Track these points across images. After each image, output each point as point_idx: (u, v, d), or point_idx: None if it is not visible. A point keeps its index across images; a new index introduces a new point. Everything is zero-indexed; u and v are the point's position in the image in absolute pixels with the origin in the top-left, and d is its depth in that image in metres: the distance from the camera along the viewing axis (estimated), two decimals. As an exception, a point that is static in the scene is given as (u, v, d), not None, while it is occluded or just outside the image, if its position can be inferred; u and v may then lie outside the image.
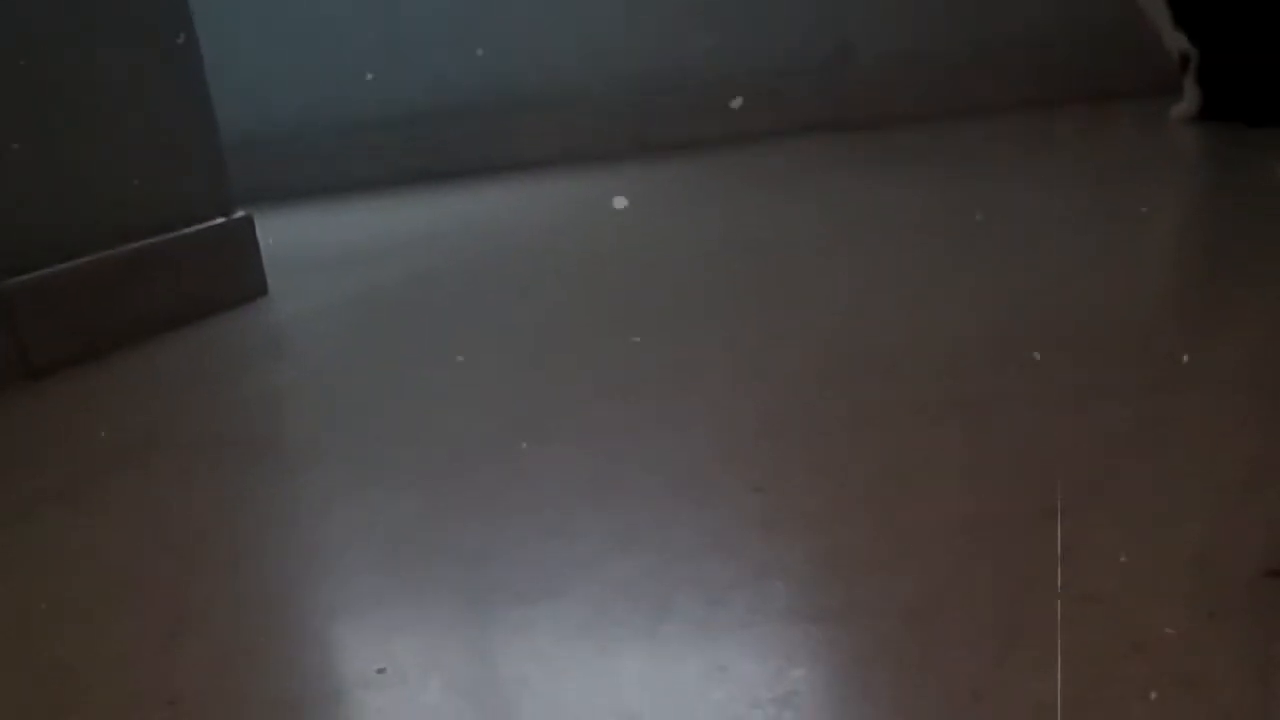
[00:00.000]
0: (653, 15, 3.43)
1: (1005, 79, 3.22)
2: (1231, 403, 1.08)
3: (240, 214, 2.12)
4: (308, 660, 0.86)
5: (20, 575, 1.07)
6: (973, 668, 0.72)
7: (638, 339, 1.55)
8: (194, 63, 2.08)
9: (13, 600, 1.02)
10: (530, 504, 1.06)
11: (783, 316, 1.57)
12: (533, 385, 1.42)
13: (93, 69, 1.89)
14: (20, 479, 1.33)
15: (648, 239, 2.22)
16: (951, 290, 1.57)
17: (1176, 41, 2.61)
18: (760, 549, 0.91)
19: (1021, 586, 0.80)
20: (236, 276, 2.10)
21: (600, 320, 1.69)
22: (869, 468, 1.04)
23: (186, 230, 2.02)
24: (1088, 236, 1.78)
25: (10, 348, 1.72)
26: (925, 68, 3.28)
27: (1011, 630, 0.75)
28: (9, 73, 1.77)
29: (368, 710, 0.77)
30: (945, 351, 1.32)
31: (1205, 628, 0.72)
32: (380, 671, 0.81)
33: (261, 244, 2.17)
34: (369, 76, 3.59)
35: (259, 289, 2.14)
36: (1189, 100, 2.61)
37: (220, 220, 2.08)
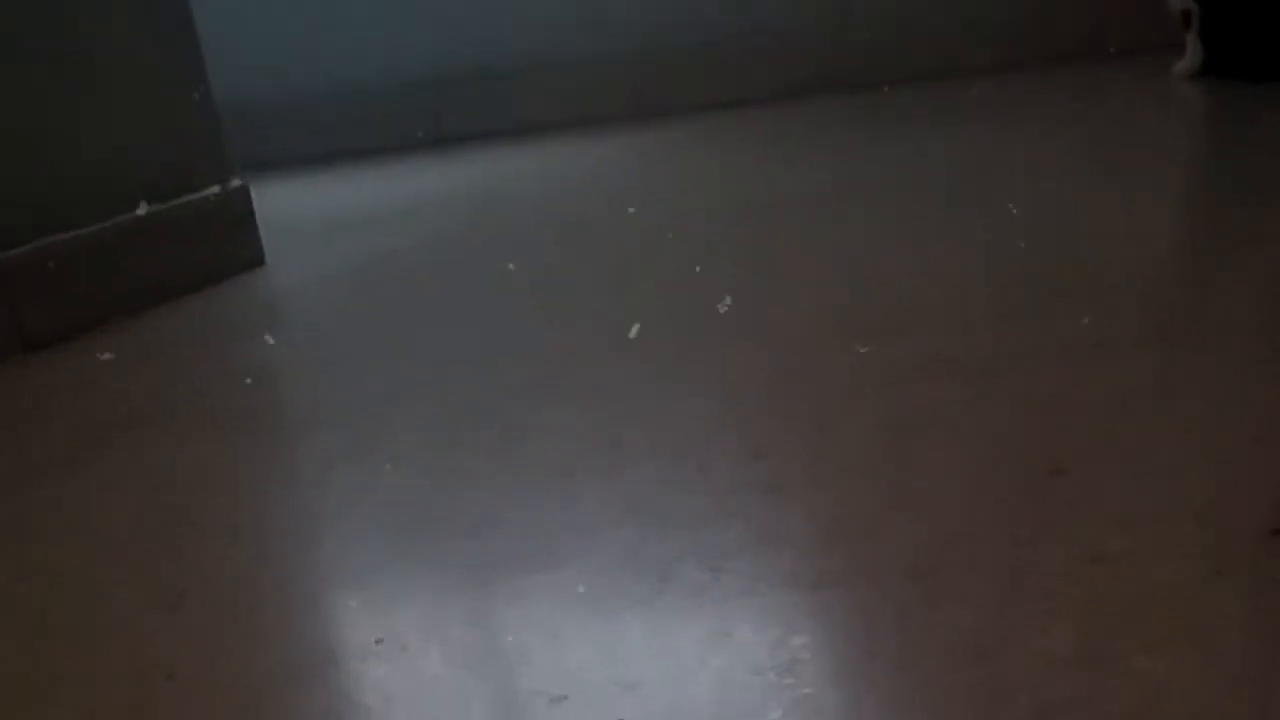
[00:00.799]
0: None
1: (1005, 36, 3.20)
2: (1237, 359, 1.07)
3: (237, 183, 2.11)
4: (306, 631, 0.85)
5: (19, 547, 1.06)
6: (977, 626, 0.71)
7: (637, 302, 1.54)
8: (189, 31, 2.06)
9: (11, 572, 1.01)
10: (530, 471, 1.05)
11: (783, 278, 1.56)
12: (533, 351, 1.41)
13: (88, 40, 1.88)
14: (17, 451, 1.32)
15: (648, 202, 2.21)
16: (952, 249, 1.56)
17: (1179, -1, 2.59)
18: (762, 514, 0.90)
19: (1026, 545, 0.80)
20: (234, 246, 2.09)
21: (600, 283, 1.68)
22: (871, 430, 1.03)
23: (183, 200, 2.01)
24: (1089, 193, 1.76)
25: (6, 319, 1.71)
26: (926, 27, 3.26)
27: (1016, 588, 0.74)
28: (3, 45, 1.75)
29: (366, 680, 0.77)
30: (947, 310, 1.31)
31: (1211, 584, 0.72)
32: (379, 641, 0.81)
33: (259, 213, 2.15)
34: (368, 44, 3.57)
35: (257, 258, 2.13)
36: (1191, 57, 2.59)
37: (217, 189, 2.07)
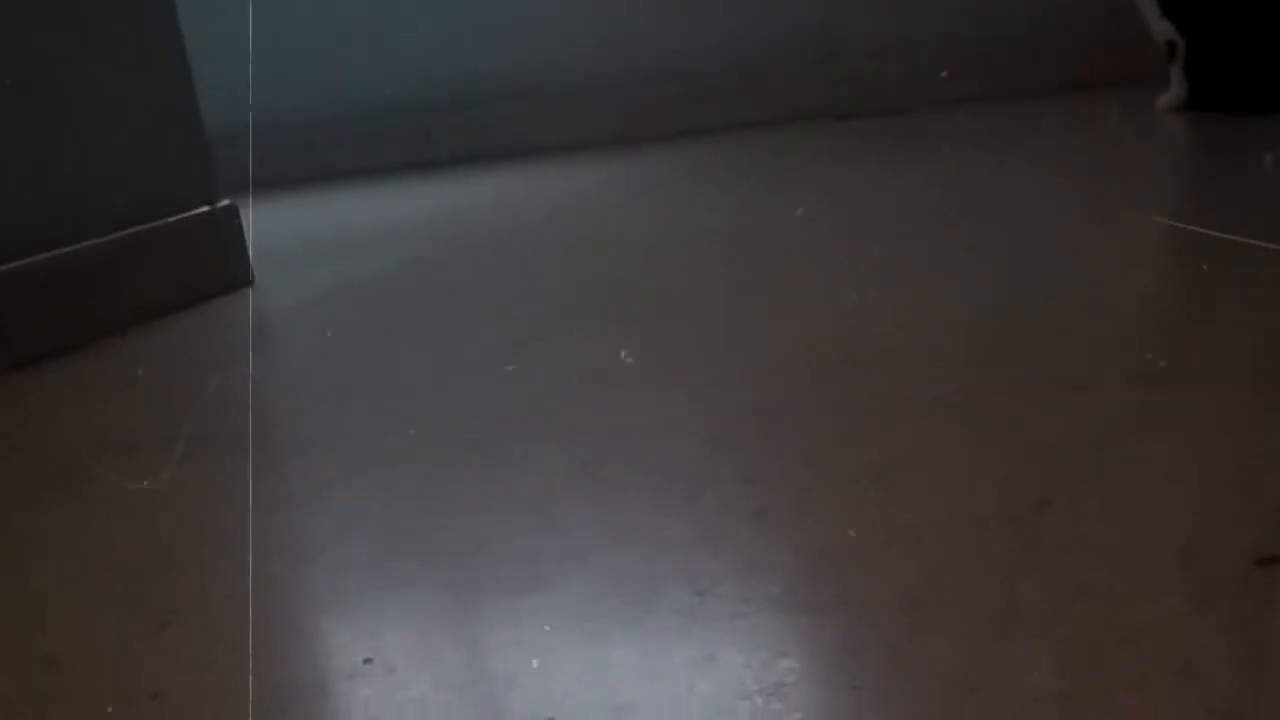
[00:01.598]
0: (641, 4, 3.42)
1: (991, 69, 3.21)
2: (1220, 395, 1.08)
3: (225, 203, 2.11)
4: (294, 652, 0.85)
5: (3, 568, 1.06)
6: (964, 659, 0.71)
7: (627, 330, 1.54)
8: (178, 51, 2.07)
9: (-3, 592, 1.01)
10: (519, 495, 1.06)
11: (773, 307, 1.57)
12: (522, 375, 1.41)
13: (75, 59, 1.88)
14: (3, 470, 1.32)
15: (637, 229, 2.21)
16: (940, 282, 1.57)
17: (1164, 30, 2.61)
18: (750, 540, 0.91)
19: (1011, 579, 0.80)
20: (221, 266, 2.09)
21: (590, 310, 1.68)
22: (859, 459, 1.04)
23: (170, 219, 2.01)
24: (1074, 227, 1.78)
25: (-6, 337, 1.71)
26: (913, 58, 3.28)
27: (1001, 622, 0.75)
28: (-8, 61, 1.76)
29: (354, 701, 0.77)
30: (936, 343, 1.32)
31: (1195, 618, 0.72)
32: (367, 662, 0.81)
33: (248, 234, 2.16)
34: (356, 66, 3.57)
35: (244, 279, 2.13)
36: (1176, 89, 2.61)
37: (204, 209, 2.07)
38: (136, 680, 0.82)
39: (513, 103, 3.53)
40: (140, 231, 1.95)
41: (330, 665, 0.82)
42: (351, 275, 2.12)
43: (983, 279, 1.54)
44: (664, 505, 0.99)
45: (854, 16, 3.31)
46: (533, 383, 1.38)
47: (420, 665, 0.80)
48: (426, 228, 2.55)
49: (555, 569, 0.90)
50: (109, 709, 0.79)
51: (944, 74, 3.21)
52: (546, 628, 0.82)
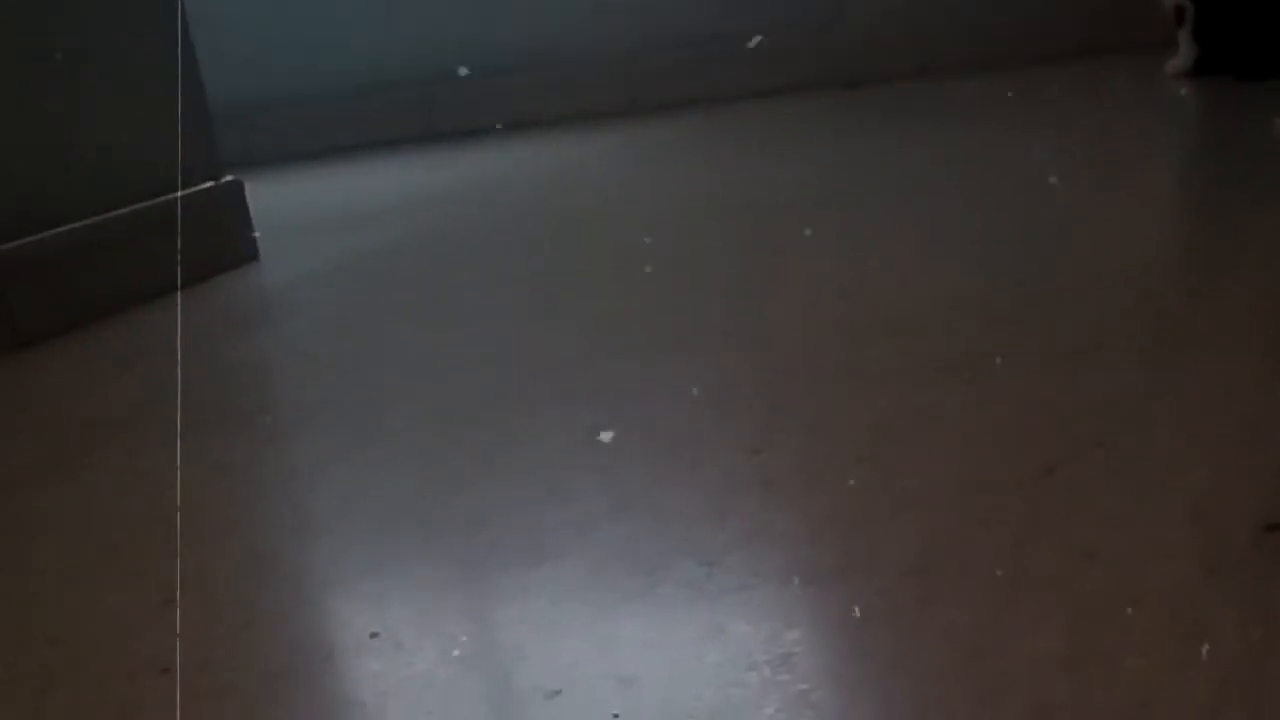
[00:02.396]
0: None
1: (997, 36, 3.20)
2: (1229, 359, 1.07)
3: (229, 178, 2.11)
4: (301, 626, 0.85)
5: (11, 545, 1.06)
6: (972, 625, 0.71)
7: (630, 301, 1.54)
8: (182, 27, 2.06)
9: (4, 569, 1.01)
10: (524, 467, 1.05)
11: (777, 275, 1.56)
12: (527, 347, 1.41)
13: (80, 37, 1.88)
14: (10, 449, 1.32)
15: (640, 199, 2.21)
16: (946, 248, 1.56)
17: (1172, -5, 2.59)
18: (757, 511, 0.91)
19: (1020, 544, 0.80)
20: (227, 242, 2.09)
21: (593, 281, 1.68)
22: (866, 427, 1.03)
23: (173, 196, 2.00)
24: (1082, 192, 1.77)
25: (-1, 316, 1.71)
26: (917, 25, 3.26)
27: (1009, 587, 0.74)
28: (-7, 38, 1.75)
29: (361, 675, 0.77)
30: (942, 309, 1.31)
31: (1205, 583, 0.72)
32: (374, 636, 0.81)
33: (252, 209, 2.15)
34: (360, 39, 3.56)
35: (250, 254, 2.13)
36: (1184, 54, 2.59)
37: (209, 185, 2.07)
38: (144, 656, 0.82)
39: (517, 74, 3.52)
40: (144, 208, 1.94)
41: (337, 639, 0.82)
42: (356, 249, 2.12)
43: (989, 245, 1.53)
44: (670, 476, 0.99)
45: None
46: (537, 353, 1.37)
47: (427, 639, 0.80)
48: (431, 200, 2.54)
49: (561, 541, 0.90)
50: (118, 686, 0.79)
51: (951, 41, 3.20)
52: (553, 600, 0.82)
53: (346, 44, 3.58)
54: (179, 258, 1.97)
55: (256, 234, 2.15)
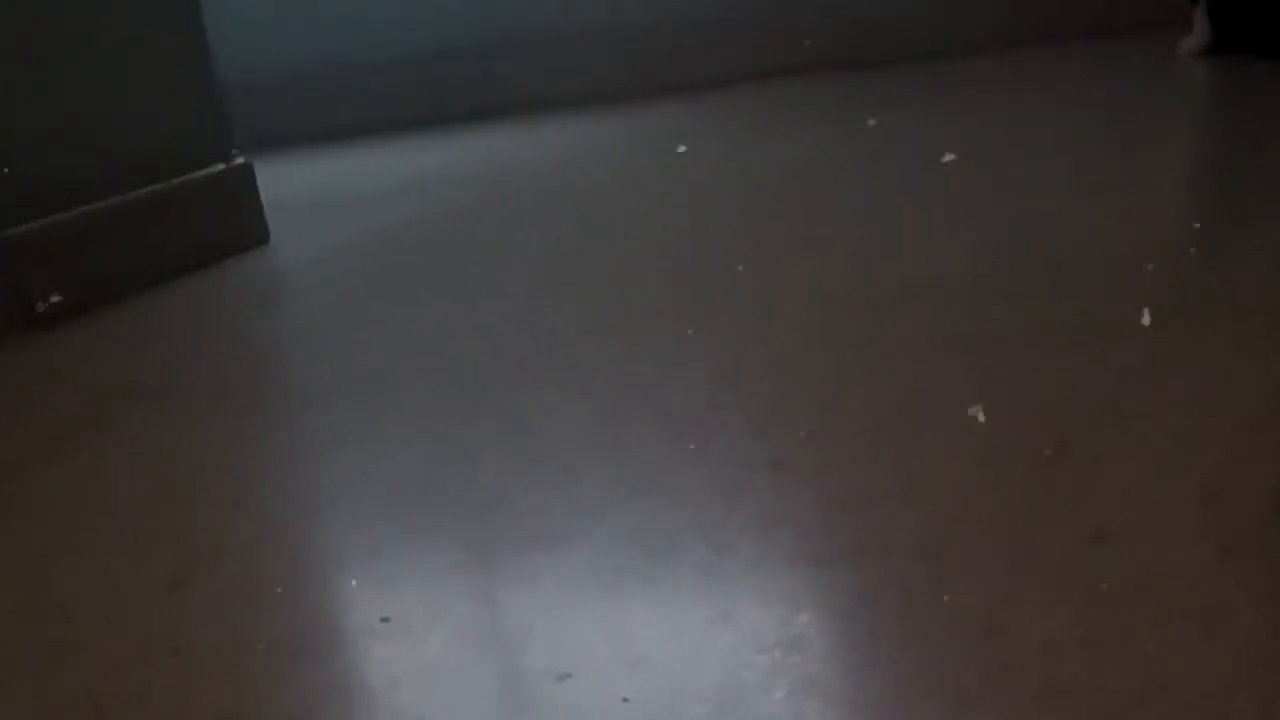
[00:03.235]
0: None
1: (1011, 14, 3.18)
2: (1244, 337, 1.06)
3: (240, 160, 2.10)
4: (311, 609, 0.85)
5: (24, 523, 1.06)
6: (985, 606, 0.71)
7: (641, 280, 1.53)
8: (194, 8, 2.06)
9: (16, 547, 1.01)
10: (534, 449, 1.05)
11: (788, 254, 1.55)
12: (536, 327, 1.40)
13: (91, 18, 1.87)
14: (24, 428, 1.32)
15: (650, 179, 2.20)
16: (957, 227, 1.55)
17: (1187, -27, 2.58)
18: (767, 493, 0.90)
19: (1032, 524, 0.79)
20: (237, 223, 2.09)
21: (605, 261, 1.67)
22: (876, 406, 1.03)
23: (186, 177, 2.00)
24: (1096, 171, 1.76)
25: (12, 297, 1.71)
26: (932, 3, 3.25)
27: (1022, 568, 0.74)
28: (8, 22, 1.75)
29: (372, 659, 0.77)
30: (954, 286, 1.31)
31: (1218, 563, 0.72)
32: (384, 620, 0.80)
33: (263, 191, 2.15)
34: (372, 20, 3.55)
35: (261, 236, 2.12)
36: (1199, 33, 2.58)
37: (220, 167, 2.06)
38: (154, 635, 0.82)
39: (528, 55, 3.51)
40: (155, 190, 1.94)
41: (348, 622, 0.82)
42: (367, 230, 2.12)
43: (1001, 222, 1.52)
44: (681, 457, 0.98)
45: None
46: (547, 333, 1.37)
47: (437, 622, 0.79)
48: (441, 181, 2.54)
49: (571, 523, 0.90)
50: (128, 665, 0.79)
51: (962, 19, 3.18)
52: (562, 583, 0.82)
53: (359, 25, 3.57)
54: (190, 240, 1.97)
55: (267, 215, 2.14)
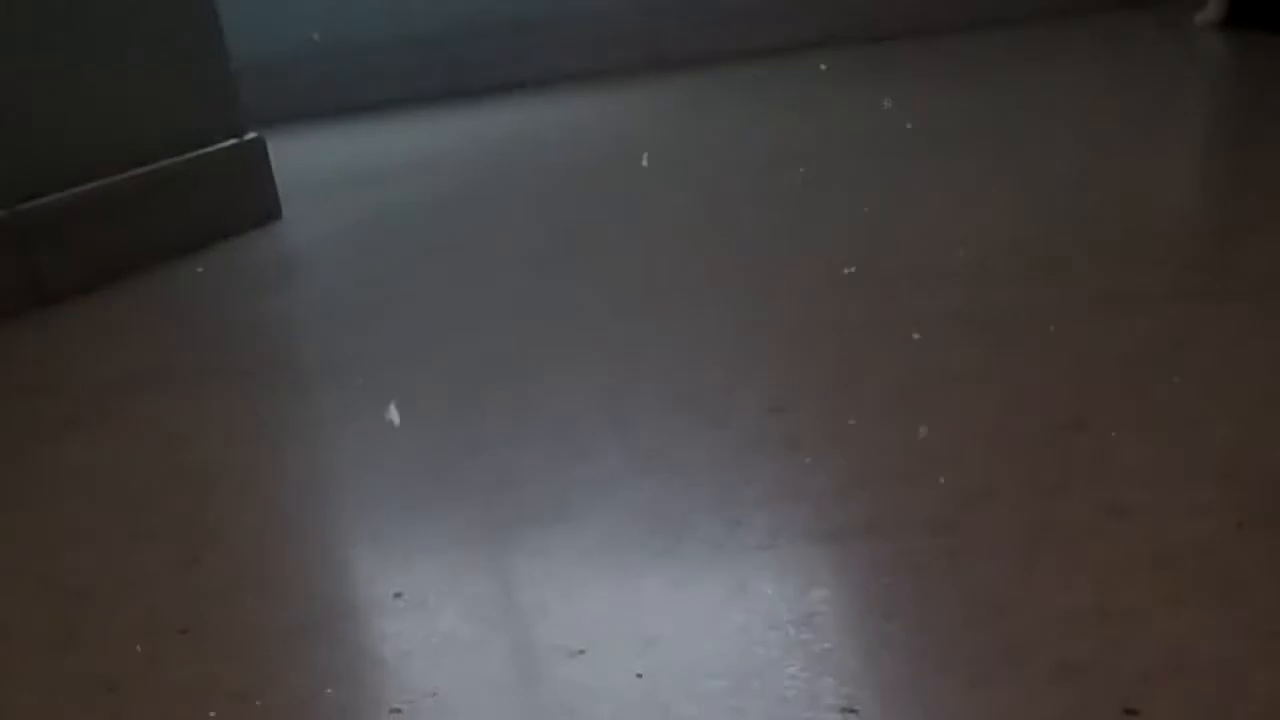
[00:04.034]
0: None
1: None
2: (1261, 312, 1.06)
3: (251, 136, 2.10)
4: (324, 586, 0.85)
5: (36, 501, 1.06)
6: (998, 581, 0.70)
7: (656, 254, 1.53)
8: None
9: (29, 526, 1.02)
10: (547, 425, 1.05)
11: (801, 230, 1.55)
12: (549, 303, 1.40)
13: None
14: (35, 406, 1.32)
15: (664, 156, 2.19)
16: (974, 200, 1.54)
17: (1202, -55, 2.56)
18: (781, 468, 0.90)
19: (1047, 500, 0.79)
20: (249, 200, 2.08)
21: (616, 238, 1.67)
22: (890, 384, 1.03)
23: (198, 153, 2.00)
24: (1112, 145, 1.75)
25: (23, 274, 1.71)
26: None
27: (1037, 543, 0.74)
28: (17, 1, 1.75)
29: (385, 635, 0.76)
30: (968, 262, 1.30)
31: (1233, 539, 0.71)
32: (398, 596, 0.80)
33: (276, 167, 2.15)
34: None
35: (273, 212, 2.12)
36: (1214, 6, 2.56)
37: (231, 143, 2.06)
38: (165, 614, 0.82)
39: (541, 31, 3.50)
40: (167, 166, 1.94)
41: (361, 599, 0.82)
42: (379, 206, 2.11)
43: (1018, 196, 1.52)
44: (694, 433, 0.98)
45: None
46: (560, 308, 1.37)
47: (450, 598, 0.79)
48: (456, 158, 2.53)
49: (584, 499, 0.90)
50: (138, 645, 0.79)
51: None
52: (576, 559, 0.81)
53: (373, 0, 3.56)
54: (202, 216, 1.97)
55: (280, 192, 2.14)
